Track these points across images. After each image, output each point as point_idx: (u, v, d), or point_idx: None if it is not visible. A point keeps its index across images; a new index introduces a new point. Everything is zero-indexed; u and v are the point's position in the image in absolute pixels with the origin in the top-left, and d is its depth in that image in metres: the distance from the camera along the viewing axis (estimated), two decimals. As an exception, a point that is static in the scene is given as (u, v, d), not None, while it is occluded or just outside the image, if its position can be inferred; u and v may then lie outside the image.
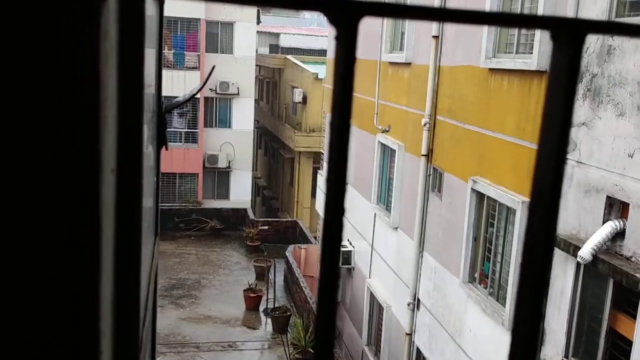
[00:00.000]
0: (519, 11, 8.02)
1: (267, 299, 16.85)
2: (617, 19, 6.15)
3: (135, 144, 0.62)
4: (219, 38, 25.74)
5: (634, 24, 0.41)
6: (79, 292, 0.41)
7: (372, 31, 13.11)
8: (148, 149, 1.20)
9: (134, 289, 0.65)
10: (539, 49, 7.28)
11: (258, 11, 26.80)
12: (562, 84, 0.40)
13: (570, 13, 6.70)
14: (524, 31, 8.03)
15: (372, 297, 12.95)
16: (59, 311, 0.42)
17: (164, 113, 1.42)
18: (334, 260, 0.41)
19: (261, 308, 17.13)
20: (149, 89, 1.24)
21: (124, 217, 0.58)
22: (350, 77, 0.39)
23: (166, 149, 1.46)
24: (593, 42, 6.41)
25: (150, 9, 1.17)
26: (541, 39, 7.27)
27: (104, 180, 0.43)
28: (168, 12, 24.33)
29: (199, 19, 24.82)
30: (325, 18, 0.37)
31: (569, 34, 0.40)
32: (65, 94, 0.38)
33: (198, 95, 24.54)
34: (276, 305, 16.65)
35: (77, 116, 0.38)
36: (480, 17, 0.37)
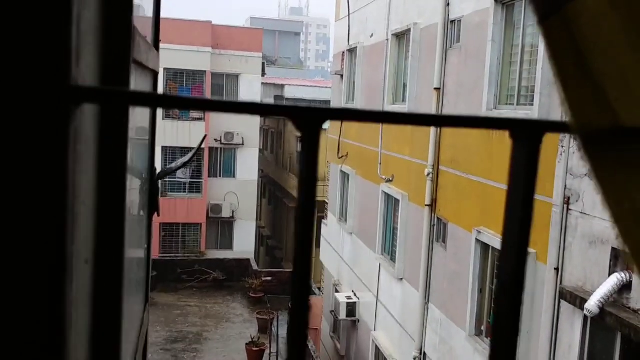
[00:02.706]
0: (517, 75, 8.17)
1: (270, 353, 16.53)
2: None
3: (116, 232, 0.63)
4: (224, 89, 26.19)
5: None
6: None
7: (375, 82, 13.34)
8: (140, 216, 1.21)
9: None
10: (540, 101, 7.37)
11: (263, 63, 27.37)
12: (522, 180, 0.41)
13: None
14: (524, 83, 8.15)
15: (378, 350, 12.69)
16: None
17: (156, 180, 1.44)
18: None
19: (264, 361, 16.78)
20: (142, 157, 1.26)
21: (103, 308, 0.58)
22: (314, 173, 0.40)
23: (158, 215, 1.47)
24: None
25: (144, 83, 1.20)
26: (541, 92, 7.37)
27: (74, 275, 0.44)
28: (174, 64, 24.84)
29: (205, 71, 25.33)
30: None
31: (526, 134, 0.41)
32: (29, 195, 0.39)
33: (203, 146, 24.78)
34: (279, 359, 16.33)
35: (42, 217, 0.39)
36: (438, 120, 0.38)
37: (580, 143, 0.42)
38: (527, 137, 0.42)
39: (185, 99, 0.38)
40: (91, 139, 0.53)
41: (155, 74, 1.47)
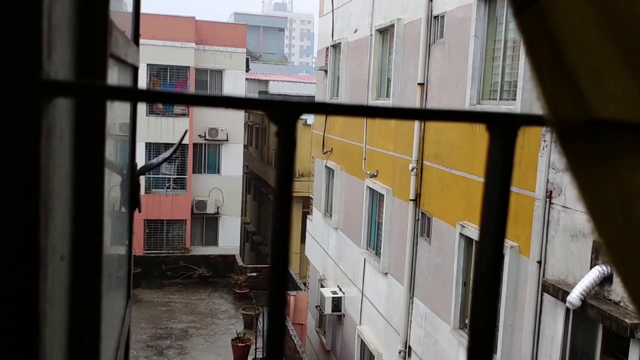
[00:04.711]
0: (500, 70, 8.23)
1: (255, 349, 16.53)
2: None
3: (94, 228, 0.62)
4: (208, 85, 26.05)
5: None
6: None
7: (359, 78, 13.35)
8: (120, 213, 1.20)
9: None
10: (522, 96, 7.43)
11: (247, 59, 27.26)
12: (498, 172, 0.41)
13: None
14: (507, 78, 8.21)
15: (363, 344, 12.75)
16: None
17: (137, 176, 1.43)
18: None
19: (250, 358, 16.77)
20: (123, 153, 1.25)
21: (81, 304, 0.58)
22: (290, 168, 0.40)
23: (139, 211, 1.46)
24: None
25: (124, 78, 1.19)
26: (524, 86, 7.42)
27: (49, 271, 0.43)
28: (158, 60, 24.64)
29: (189, 67, 25.17)
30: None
31: (502, 127, 0.41)
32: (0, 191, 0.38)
33: (187, 142, 24.65)
34: (265, 354, 16.32)
35: (13, 212, 0.39)
36: (416, 114, 0.38)
37: (556, 136, 0.42)
38: (503, 130, 0.42)
39: (160, 92, 0.38)
40: (67, 134, 0.53)
41: (135, 69, 1.45)
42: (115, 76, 0.97)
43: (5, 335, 0.39)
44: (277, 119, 0.39)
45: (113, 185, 1.03)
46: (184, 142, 24.26)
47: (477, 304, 0.44)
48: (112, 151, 1.00)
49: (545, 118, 0.42)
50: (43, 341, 0.41)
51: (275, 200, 0.41)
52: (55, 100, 0.45)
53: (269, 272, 0.42)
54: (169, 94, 0.38)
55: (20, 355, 0.40)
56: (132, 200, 1.37)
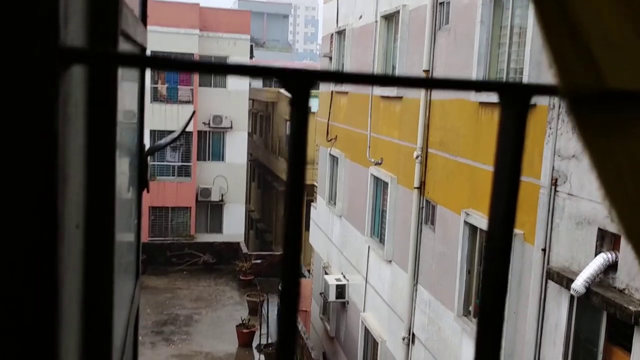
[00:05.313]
0: (506, 56, 8.17)
1: (260, 335, 16.64)
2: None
3: (107, 199, 0.63)
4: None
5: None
6: (36, 346, 0.41)
7: (364, 64, 13.29)
8: (129, 192, 1.21)
9: (104, 345, 0.65)
10: (528, 82, 7.38)
11: (251, 46, 27.18)
12: (510, 144, 0.42)
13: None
14: (512, 65, 8.16)
15: (367, 331, 12.81)
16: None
17: (145, 156, 1.44)
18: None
19: (254, 344, 16.89)
20: (131, 134, 1.25)
21: (93, 272, 0.59)
22: (304, 135, 0.40)
23: (147, 191, 1.47)
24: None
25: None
26: (529, 73, 7.38)
27: (65, 236, 0.44)
28: (162, 47, 24.59)
29: (193, 54, 25.11)
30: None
31: (515, 98, 0.42)
32: (19, 157, 0.39)
33: (191, 129, 24.66)
34: (270, 340, 16.44)
35: (32, 177, 0.39)
36: (427, 83, 0.39)
37: (567, 106, 0.42)
38: (516, 100, 0.42)
39: (174, 60, 0.38)
40: (81, 102, 0.53)
41: (143, 50, 1.46)
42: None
43: (25, 296, 0.40)
44: (292, 87, 0.40)
45: (122, 165, 1.04)
46: (188, 129, 24.26)
47: (488, 278, 0.44)
48: (120, 131, 1.01)
49: (557, 87, 0.42)
50: (62, 305, 0.42)
51: (289, 170, 0.41)
52: (71, 68, 0.46)
53: (280, 258, 0.42)
54: (180, 61, 0.39)
55: (40, 317, 0.40)
56: (141, 180, 1.38)
